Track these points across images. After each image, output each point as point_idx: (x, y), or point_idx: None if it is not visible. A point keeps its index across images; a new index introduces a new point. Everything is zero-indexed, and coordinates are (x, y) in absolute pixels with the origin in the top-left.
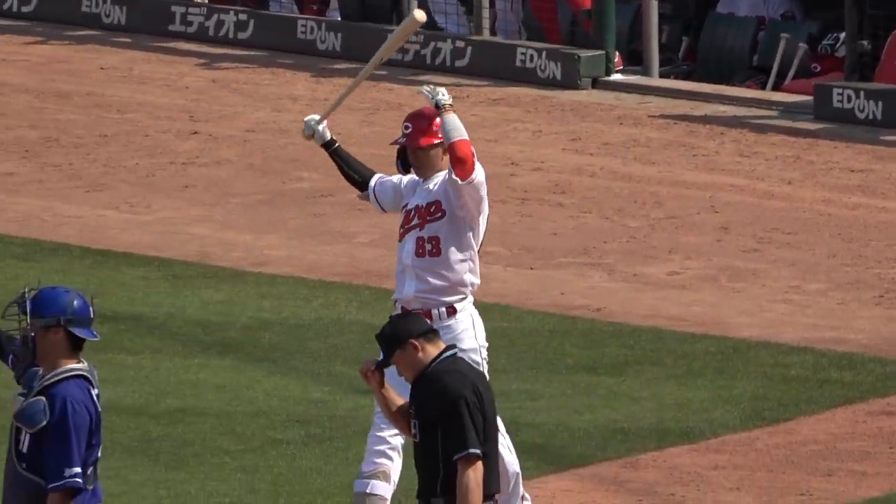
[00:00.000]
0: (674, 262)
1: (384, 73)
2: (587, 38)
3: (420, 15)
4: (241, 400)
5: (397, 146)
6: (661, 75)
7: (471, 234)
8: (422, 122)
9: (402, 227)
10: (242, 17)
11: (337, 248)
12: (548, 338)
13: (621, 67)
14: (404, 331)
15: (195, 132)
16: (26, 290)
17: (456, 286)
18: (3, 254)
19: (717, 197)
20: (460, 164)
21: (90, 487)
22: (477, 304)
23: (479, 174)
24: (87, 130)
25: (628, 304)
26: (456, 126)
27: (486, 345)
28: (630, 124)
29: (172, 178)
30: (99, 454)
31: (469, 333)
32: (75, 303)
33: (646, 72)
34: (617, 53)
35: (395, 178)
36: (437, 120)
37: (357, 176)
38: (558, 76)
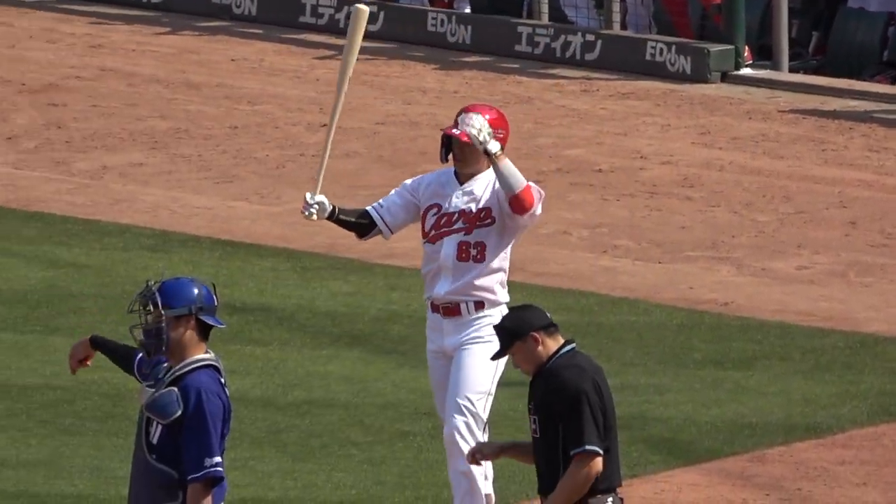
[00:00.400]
0: (802, 257)
1: (516, 66)
2: (717, 32)
3: (363, 7)
4: (368, 392)
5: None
6: (791, 70)
7: (513, 242)
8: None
9: (435, 228)
10: (372, 9)
11: None
12: (675, 332)
13: (751, 62)
14: (526, 323)
15: (325, 124)
16: (150, 282)
17: (490, 289)
18: (133, 245)
19: (846, 192)
20: (522, 209)
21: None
22: (605, 298)
23: (539, 208)
24: (218, 122)
25: (756, 299)
26: (513, 174)
27: None
28: (759, 119)
29: (302, 169)
30: (225, 445)
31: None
32: (203, 292)
33: (775, 66)
34: (746, 48)
35: (395, 193)
36: (491, 117)
37: (363, 220)
38: (688, 70)
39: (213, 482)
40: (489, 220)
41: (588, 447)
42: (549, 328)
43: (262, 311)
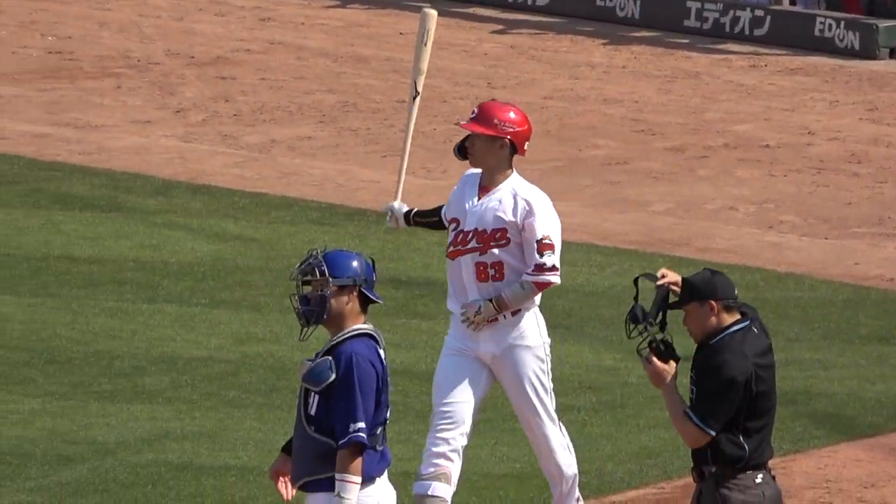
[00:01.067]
0: None
1: (684, 41)
2: (886, 8)
3: (431, 10)
4: None
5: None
6: None
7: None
8: (491, 111)
9: (452, 244)
10: None
11: (631, 216)
12: (841, 308)
13: None
14: (710, 289)
15: (493, 99)
16: (314, 251)
17: None
18: (301, 218)
19: None
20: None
21: (379, 448)
22: (771, 274)
23: (556, 276)
24: (385, 96)
25: None
26: (520, 300)
27: (549, 341)
28: None
29: None
30: (387, 416)
31: (533, 331)
32: (366, 266)
33: None
34: None
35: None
36: (509, 116)
37: (435, 217)
38: (856, 46)
39: (359, 448)
40: (504, 241)
41: (705, 427)
42: (730, 304)
43: (427, 285)
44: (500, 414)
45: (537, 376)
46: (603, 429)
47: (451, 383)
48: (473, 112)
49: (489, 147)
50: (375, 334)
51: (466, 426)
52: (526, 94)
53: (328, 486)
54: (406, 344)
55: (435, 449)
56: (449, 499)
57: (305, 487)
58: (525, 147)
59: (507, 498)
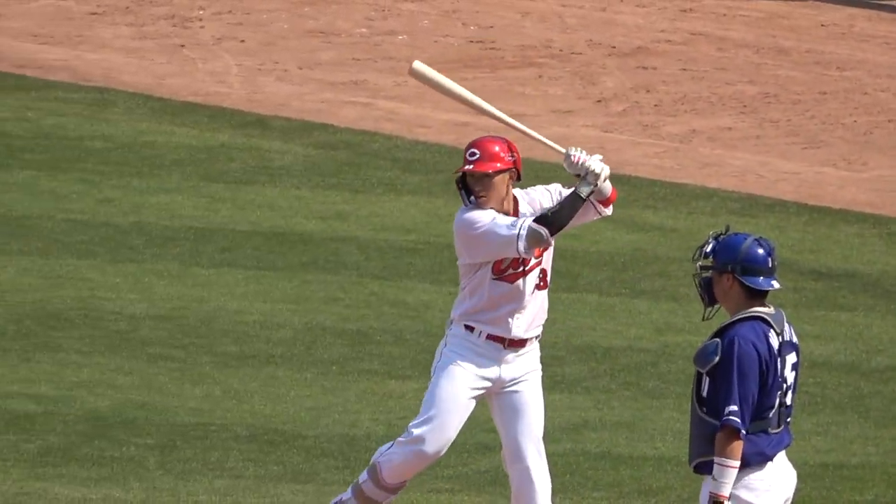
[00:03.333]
0: None
1: None
2: None
3: (416, 66)
4: None
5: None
6: None
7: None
8: (490, 148)
9: (511, 267)
10: None
11: None
12: None
13: None
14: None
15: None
16: (712, 234)
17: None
18: (720, 209)
19: None
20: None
21: (773, 431)
22: None
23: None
24: (807, 87)
25: None
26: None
27: None
28: None
29: (891, 136)
30: (786, 400)
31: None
32: (750, 252)
33: None
34: None
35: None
36: (505, 147)
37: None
38: None
39: (732, 431)
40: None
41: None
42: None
43: (847, 276)
44: None
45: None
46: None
47: (454, 412)
48: (473, 154)
49: (501, 181)
50: (770, 318)
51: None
52: None
53: None
54: (825, 335)
55: (415, 470)
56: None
57: (699, 469)
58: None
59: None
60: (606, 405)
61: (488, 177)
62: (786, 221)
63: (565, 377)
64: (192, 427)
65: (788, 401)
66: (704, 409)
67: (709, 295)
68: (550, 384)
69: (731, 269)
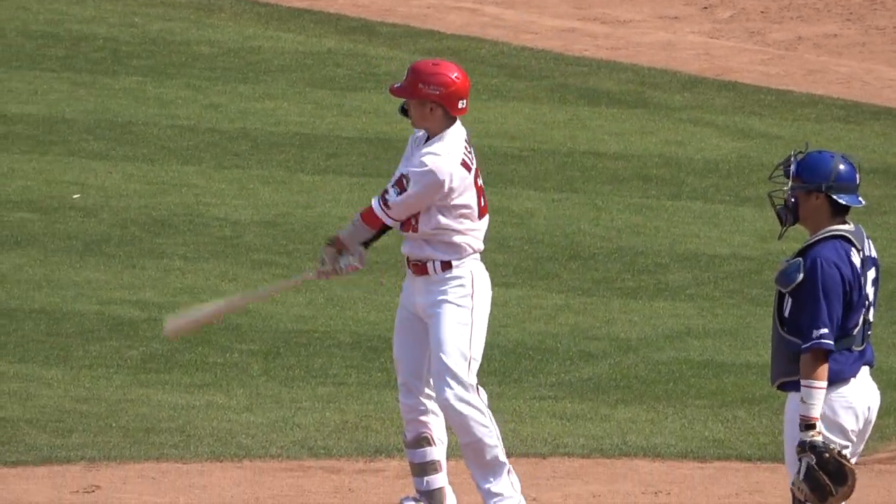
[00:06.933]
0: None
1: None
2: None
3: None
4: None
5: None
6: None
7: (440, 213)
8: (417, 75)
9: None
10: None
11: None
12: None
13: None
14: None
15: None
16: (794, 152)
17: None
18: (825, 116)
19: None
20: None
21: (857, 348)
22: None
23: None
24: None
25: None
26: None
27: (483, 307)
28: None
29: None
30: (869, 317)
31: (463, 291)
32: (840, 168)
33: None
34: None
35: None
36: (436, 77)
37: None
38: None
39: (821, 353)
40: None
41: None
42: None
43: None
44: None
45: (460, 337)
46: None
47: (401, 342)
48: (405, 76)
49: (421, 111)
50: (852, 235)
51: (423, 385)
52: None
53: (800, 387)
54: None
55: (408, 416)
56: (441, 458)
57: (783, 387)
58: (460, 105)
59: None
60: (710, 313)
61: (409, 103)
62: (891, 128)
63: (669, 285)
64: (295, 334)
65: (871, 317)
66: (786, 328)
67: (794, 214)
68: (654, 292)
69: (825, 187)
